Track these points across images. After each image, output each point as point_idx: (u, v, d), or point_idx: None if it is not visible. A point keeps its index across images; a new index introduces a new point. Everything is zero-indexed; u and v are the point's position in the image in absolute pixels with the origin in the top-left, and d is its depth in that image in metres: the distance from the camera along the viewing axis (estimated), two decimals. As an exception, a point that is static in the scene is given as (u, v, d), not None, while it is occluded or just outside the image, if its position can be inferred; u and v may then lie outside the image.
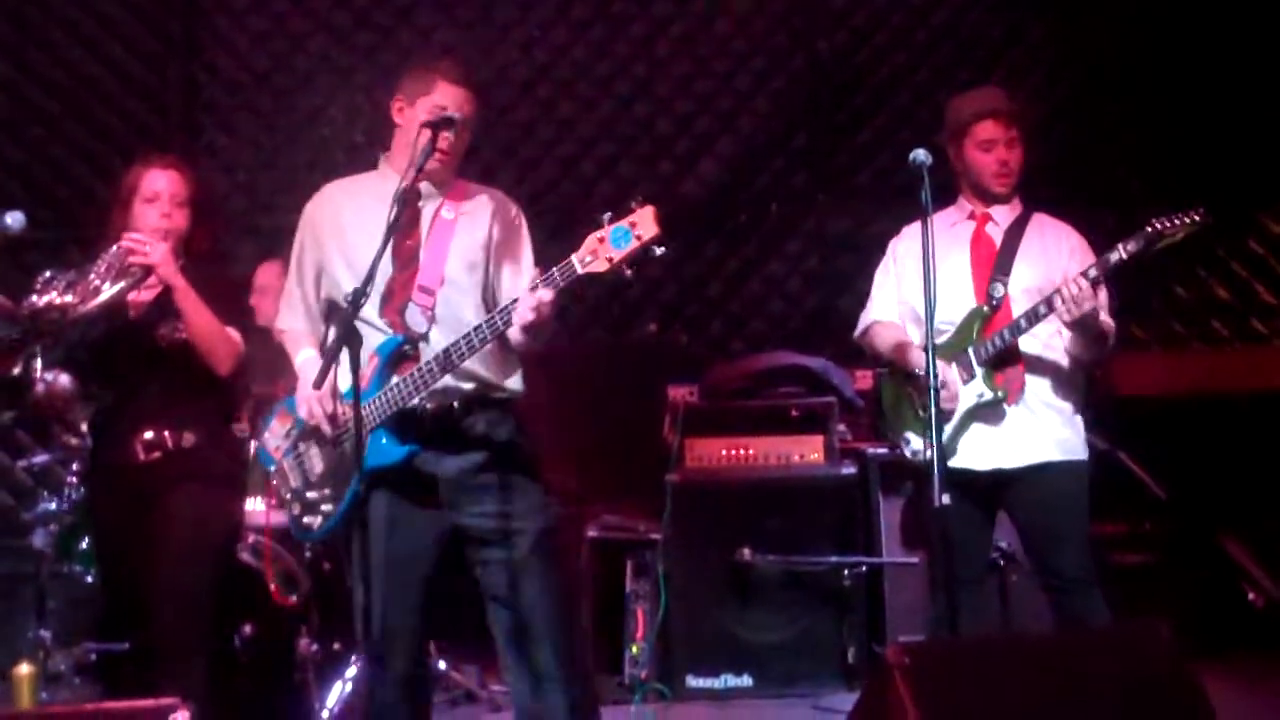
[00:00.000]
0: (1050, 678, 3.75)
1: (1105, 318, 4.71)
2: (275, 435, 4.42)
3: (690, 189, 7.67)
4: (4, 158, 7.47)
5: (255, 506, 5.75)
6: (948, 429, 4.72)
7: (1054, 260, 4.81)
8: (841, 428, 6.22)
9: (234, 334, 4.78)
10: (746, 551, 5.98)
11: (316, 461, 4.24)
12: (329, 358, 3.95)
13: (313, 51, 7.70)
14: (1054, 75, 7.67)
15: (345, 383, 4.14)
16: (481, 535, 4.22)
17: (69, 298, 4.60)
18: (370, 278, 3.97)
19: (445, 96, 4.27)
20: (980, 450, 4.75)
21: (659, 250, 3.83)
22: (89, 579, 5.48)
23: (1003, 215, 4.92)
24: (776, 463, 6.18)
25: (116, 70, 7.62)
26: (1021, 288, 4.77)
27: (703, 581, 6.05)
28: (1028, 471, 4.72)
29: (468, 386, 4.19)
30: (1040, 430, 4.75)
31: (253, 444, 5.75)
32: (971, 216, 4.93)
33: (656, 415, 6.36)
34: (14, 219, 4.58)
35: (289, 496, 4.37)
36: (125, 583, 4.78)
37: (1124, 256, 4.54)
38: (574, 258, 3.89)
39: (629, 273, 3.87)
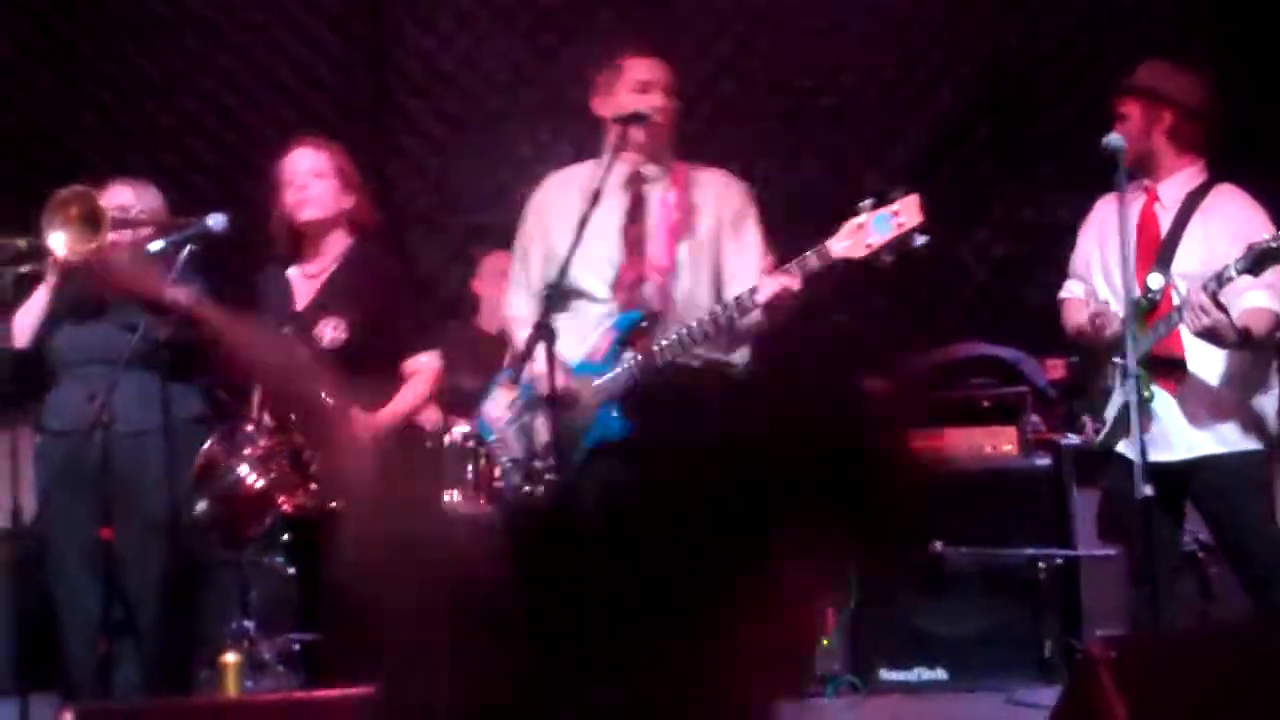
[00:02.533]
0: (1260, 670, 3.67)
1: (1256, 308, 4.47)
2: (498, 405, 4.50)
3: (874, 179, 7.60)
4: (201, 162, 7.67)
5: (451, 498, 5.85)
6: (1108, 420, 4.63)
7: (1216, 248, 4.57)
8: (1034, 418, 6.14)
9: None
10: (939, 544, 5.92)
11: (542, 431, 4.28)
12: (524, 353, 4.02)
13: (497, 51, 7.78)
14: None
15: (574, 356, 4.22)
16: None
17: None
18: (562, 273, 4.04)
19: (636, 71, 4.35)
20: (1155, 443, 4.57)
21: (920, 239, 3.80)
22: (290, 570, 5.61)
23: (1173, 191, 4.72)
24: (968, 454, 6.12)
25: (306, 75, 7.79)
26: (1182, 276, 4.60)
27: (894, 574, 6.01)
28: (1194, 464, 4.62)
29: (695, 364, 4.21)
30: (1202, 422, 4.61)
31: (446, 439, 5.86)
32: (1145, 191, 4.79)
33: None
34: (216, 221, 4.74)
35: (509, 465, 4.45)
36: (318, 575, 4.84)
37: (1273, 244, 4.31)
38: (829, 242, 3.89)
39: (888, 260, 3.84)
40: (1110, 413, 4.68)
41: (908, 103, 7.65)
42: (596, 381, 4.22)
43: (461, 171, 7.77)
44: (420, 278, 7.64)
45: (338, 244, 4.81)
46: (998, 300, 7.48)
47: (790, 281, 3.94)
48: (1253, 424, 4.67)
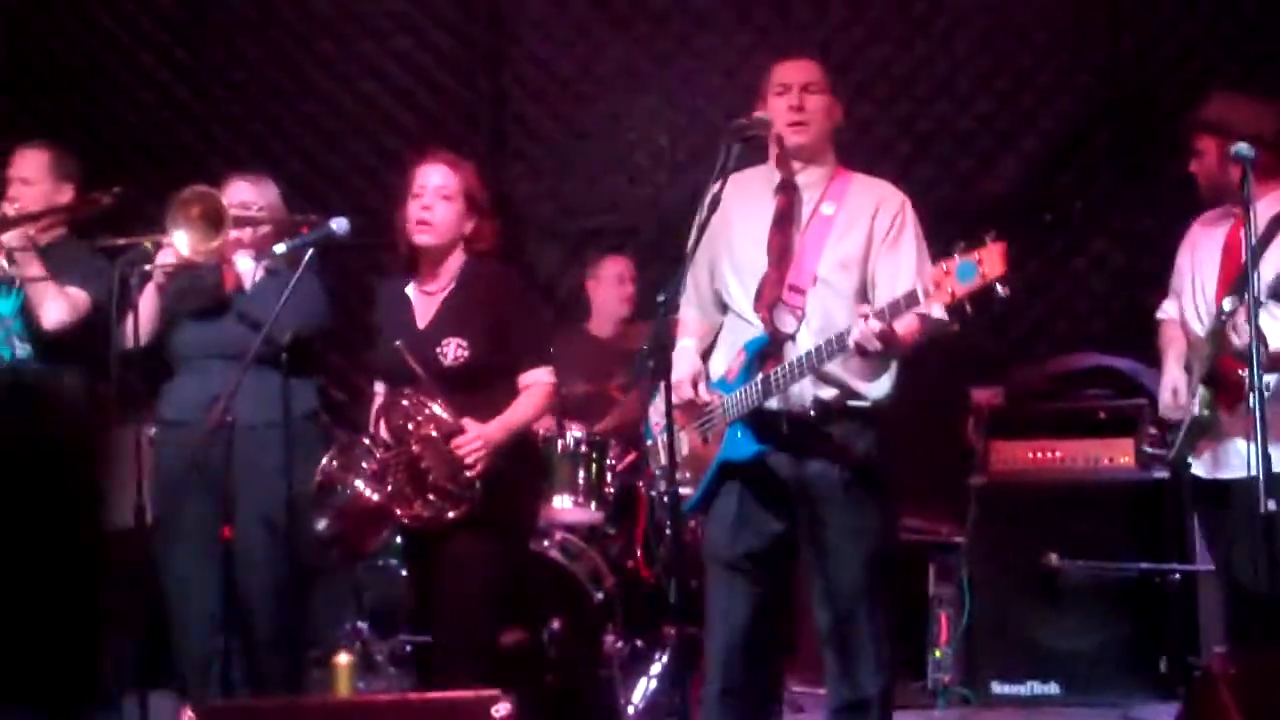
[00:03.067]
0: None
1: None
2: (658, 411, 4.50)
3: (991, 187, 7.55)
4: (326, 167, 7.78)
5: (563, 504, 5.89)
6: (1178, 439, 4.64)
7: None
8: (1153, 430, 6.04)
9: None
10: (1054, 556, 5.87)
11: (683, 444, 4.30)
12: (640, 365, 4.04)
13: (614, 58, 7.80)
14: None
15: (716, 371, 4.24)
16: (815, 543, 4.23)
17: None
18: (680, 281, 4.04)
19: (780, 74, 4.32)
20: (1212, 460, 4.66)
21: (1003, 291, 3.73)
22: (403, 572, 5.68)
23: (1263, 210, 4.62)
24: (1085, 466, 6.06)
25: (427, 81, 7.87)
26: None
27: (1008, 586, 5.97)
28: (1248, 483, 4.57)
29: (827, 394, 4.19)
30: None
31: (559, 443, 5.90)
32: (1233, 215, 4.71)
33: (958, 417, 6.29)
34: (340, 225, 4.79)
35: (659, 472, 4.49)
36: (429, 579, 4.85)
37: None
38: (917, 287, 3.84)
39: (969, 310, 3.78)
40: (1181, 428, 4.65)
41: (1026, 111, 7.57)
42: (727, 399, 4.23)
43: (578, 176, 7.81)
44: (537, 282, 7.71)
45: (454, 263, 4.81)
46: (1116, 310, 7.38)
47: (875, 325, 3.89)
48: None
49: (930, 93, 7.63)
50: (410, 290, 4.86)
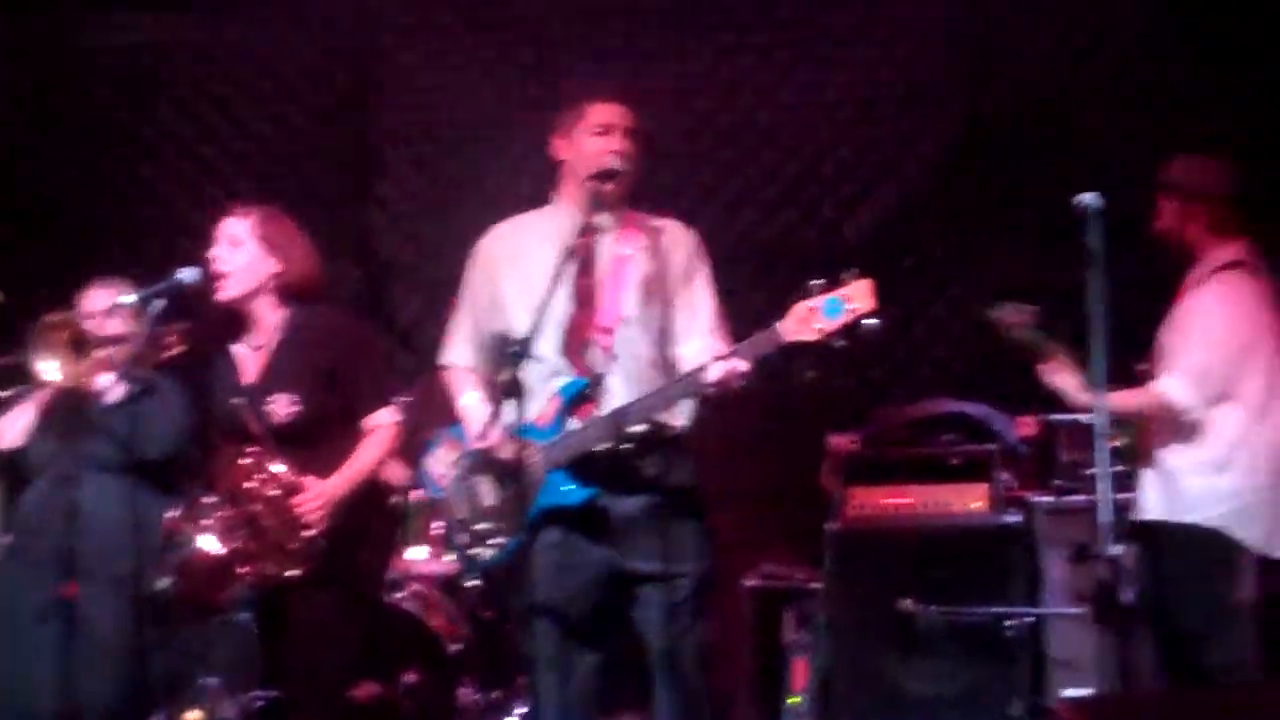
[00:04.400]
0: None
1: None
2: (441, 462, 4.47)
3: (853, 233, 7.63)
4: (184, 218, 7.68)
5: (418, 554, 5.86)
6: None
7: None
8: (1005, 476, 6.12)
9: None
10: (909, 602, 5.90)
11: (486, 494, 4.26)
12: (492, 410, 4.03)
13: (479, 104, 7.81)
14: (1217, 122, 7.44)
15: (522, 419, 4.22)
16: (641, 576, 4.25)
17: None
18: (533, 333, 4.04)
19: (601, 115, 4.35)
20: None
21: (872, 325, 3.79)
22: (255, 629, 5.61)
23: (1212, 261, 4.95)
24: (939, 511, 6.10)
25: (291, 128, 7.83)
26: None
27: (864, 632, 5.98)
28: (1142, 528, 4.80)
29: (638, 429, 4.21)
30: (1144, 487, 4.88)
31: (411, 494, 5.87)
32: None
33: (815, 463, 6.33)
34: (189, 274, 4.74)
35: (455, 526, 4.41)
36: (277, 635, 4.82)
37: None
38: (779, 326, 3.87)
39: (838, 345, 3.83)
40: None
41: (888, 158, 7.66)
42: (541, 446, 4.21)
43: (442, 222, 7.78)
44: (400, 328, 7.68)
45: (273, 313, 4.74)
46: (974, 356, 7.47)
47: (739, 364, 3.93)
48: (1184, 496, 4.83)
49: (794, 140, 7.70)
50: (237, 348, 4.80)
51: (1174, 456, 4.83)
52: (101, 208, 7.60)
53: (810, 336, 3.83)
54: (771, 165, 7.70)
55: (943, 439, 6.26)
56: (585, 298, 4.29)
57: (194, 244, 7.26)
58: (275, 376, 4.68)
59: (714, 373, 3.96)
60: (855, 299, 3.79)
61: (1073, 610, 5.87)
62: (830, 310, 3.79)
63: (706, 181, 7.66)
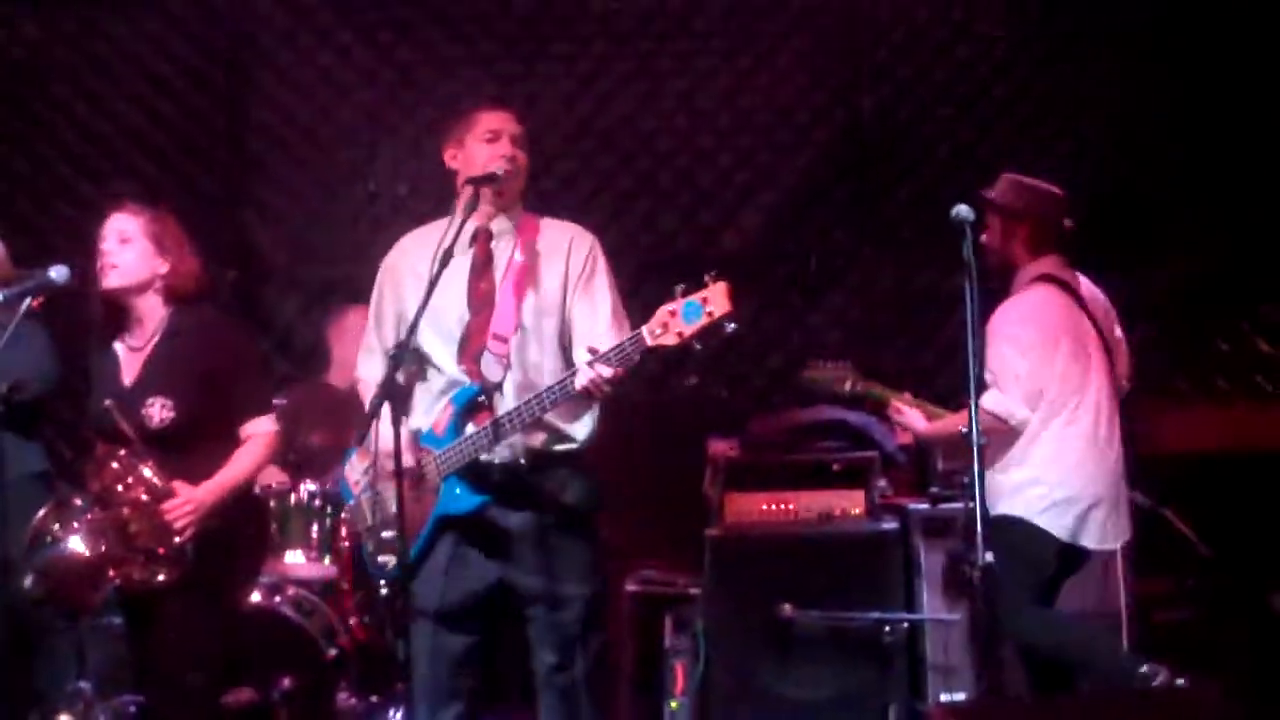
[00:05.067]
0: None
1: None
2: (355, 470, 4.46)
3: (731, 242, 7.66)
4: (54, 211, 7.54)
5: (295, 559, 5.79)
6: None
7: None
8: (883, 482, 6.18)
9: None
10: (788, 607, 5.92)
11: (391, 502, 4.23)
12: (369, 415, 3.99)
13: (357, 105, 7.74)
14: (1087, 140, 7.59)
15: (422, 423, 4.20)
16: (530, 594, 4.25)
17: None
18: (410, 333, 4.06)
19: (490, 122, 4.36)
20: None
21: (730, 327, 3.82)
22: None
23: (1027, 275, 5.32)
24: (817, 517, 6.14)
25: (164, 125, 7.70)
26: None
27: (743, 637, 5.99)
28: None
29: (537, 441, 4.21)
30: None
31: (293, 496, 5.80)
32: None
33: (697, 469, 6.34)
34: (59, 273, 4.64)
35: (364, 532, 4.42)
36: (144, 640, 4.75)
37: None
38: (644, 330, 3.89)
39: (697, 348, 3.87)
40: None
41: (766, 167, 7.70)
42: (438, 453, 4.20)
43: (318, 225, 7.70)
44: (276, 332, 7.58)
45: (155, 313, 4.68)
46: (852, 364, 7.53)
47: (605, 371, 3.94)
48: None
49: (672, 147, 7.72)
50: (118, 347, 4.73)
51: (991, 454, 4.96)
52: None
53: (672, 341, 3.86)
54: (648, 172, 7.71)
55: (822, 445, 6.30)
56: (482, 304, 4.29)
57: (71, 242, 7.26)
58: (152, 379, 4.61)
59: (581, 378, 3.97)
60: (713, 302, 3.82)
61: (949, 616, 5.95)
62: (689, 314, 3.83)
63: (586, 188, 7.65)
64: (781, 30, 7.69)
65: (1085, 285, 5.35)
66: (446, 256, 4.11)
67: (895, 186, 7.71)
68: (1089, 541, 5.13)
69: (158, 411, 4.54)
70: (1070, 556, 5.15)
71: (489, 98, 4.55)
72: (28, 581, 4.53)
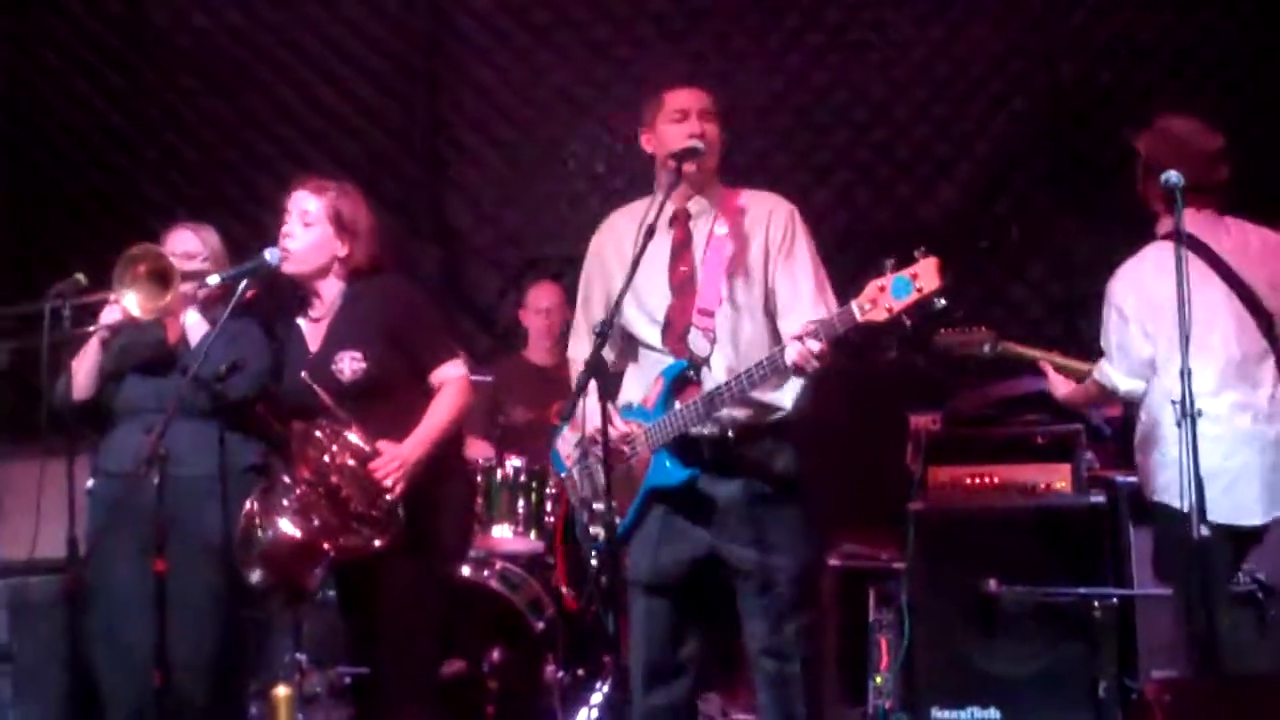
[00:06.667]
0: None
1: None
2: (567, 443, 4.51)
3: (929, 213, 7.59)
4: (261, 195, 7.70)
5: (503, 534, 5.87)
6: None
7: None
8: (1089, 455, 6.06)
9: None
10: (992, 582, 5.84)
11: (600, 473, 4.28)
12: (576, 391, 4.03)
13: (554, 85, 7.81)
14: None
15: (633, 397, 4.25)
16: (740, 566, 4.27)
17: None
18: (615, 311, 4.08)
19: (677, 101, 4.38)
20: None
21: (940, 303, 3.80)
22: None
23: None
24: (1022, 491, 6.05)
25: (366, 109, 7.85)
26: None
27: (947, 612, 5.94)
28: None
29: (741, 414, 4.23)
30: None
31: (499, 472, 5.89)
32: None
33: (898, 443, 6.30)
34: (273, 255, 4.75)
35: (578, 504, 4.49)
36: (362, 610, 4.82)
37: None
38: (853, 304, 3.89)
39: (907, 324, 3.85)
40: None
41: (963, 138, 7.61)
42: (649, 427, 4.25)
43: (517, 204, 7.80)
44: (477, 310, 7.70)
45: (334, 289, 4.78)
46: (1054, 336, 7.40)
47: (815, 346, 3.93)
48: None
49: (868, 119, 7.67)
50: (301, 322, 4.84)
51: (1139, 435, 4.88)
52: (179, 184, 7.66)
53: (881, 316, 3.85)
54: (846, 145, 7.66)
55: (1026, 418, 6.21)
56: (683, 284, 4.31)
57: (272, 220, 7.45)
58: (337, 340, 4.70)
59: (790, 353, 3.97)
60: (923, 278, 3.80)
61: (1161, 590, 5.82)
62: (898, 289, 3.82)
63: (782, 163, 7.63)
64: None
65: (1235, 236, 4.85)
66: (649, 234, 4.14)
67: (1094, 154, 7.56)
68: (1236, 518, 4.70)
69: (348, 365, 4.63)
70: (1231, 535, 4.73)
71: (674, 78, 4.53)
72: (254, 576, 4.63)
